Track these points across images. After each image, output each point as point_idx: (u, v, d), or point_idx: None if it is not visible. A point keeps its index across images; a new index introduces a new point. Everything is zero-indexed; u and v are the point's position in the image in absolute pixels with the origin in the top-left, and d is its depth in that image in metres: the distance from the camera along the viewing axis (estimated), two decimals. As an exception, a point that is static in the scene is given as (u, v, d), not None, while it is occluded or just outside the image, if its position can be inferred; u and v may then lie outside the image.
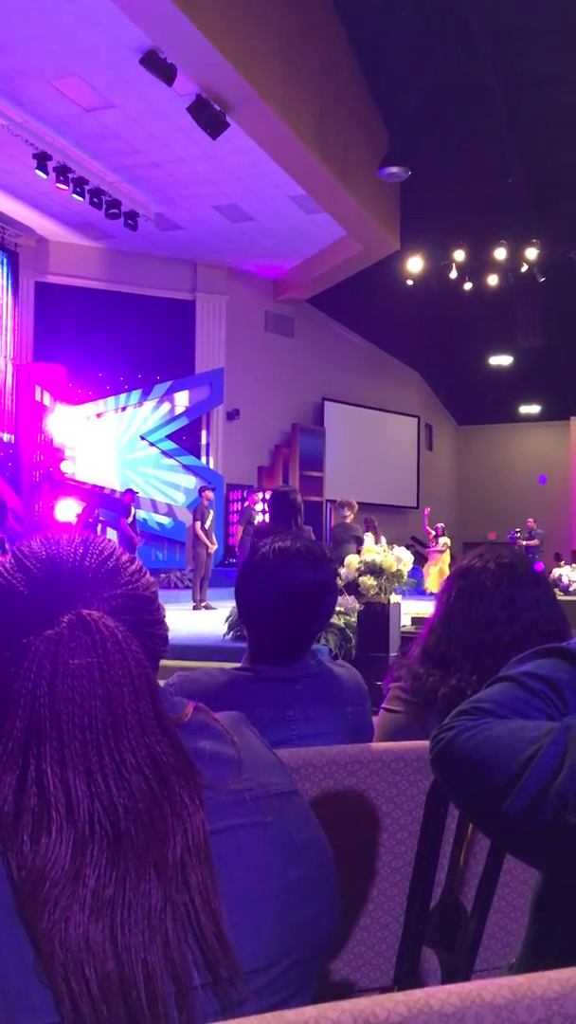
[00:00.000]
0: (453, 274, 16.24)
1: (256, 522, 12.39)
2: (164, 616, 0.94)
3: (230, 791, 0.85)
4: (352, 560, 7.06)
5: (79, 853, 0.74)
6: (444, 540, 15.15)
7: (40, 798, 0.75)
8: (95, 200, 13.17)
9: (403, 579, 6.97)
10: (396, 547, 7.34)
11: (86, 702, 0.77)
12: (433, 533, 15.49)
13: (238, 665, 1.83)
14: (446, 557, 14.80)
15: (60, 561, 0.87)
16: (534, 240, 15.60)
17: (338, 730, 1.67)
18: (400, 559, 6.91)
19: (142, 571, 0.93)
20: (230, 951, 0.76)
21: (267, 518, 16.01)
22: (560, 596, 12.76)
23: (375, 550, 7.20)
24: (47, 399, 15.40)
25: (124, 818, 0.76)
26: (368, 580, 6.81)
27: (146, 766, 0.79)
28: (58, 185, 12.54)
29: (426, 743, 1.59)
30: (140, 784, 0.78)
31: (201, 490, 13.21)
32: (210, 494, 12.77)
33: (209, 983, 0.75)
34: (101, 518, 14.53)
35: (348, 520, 9.77)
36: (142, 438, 16.48)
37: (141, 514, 15.34)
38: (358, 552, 7.32)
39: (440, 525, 15.23)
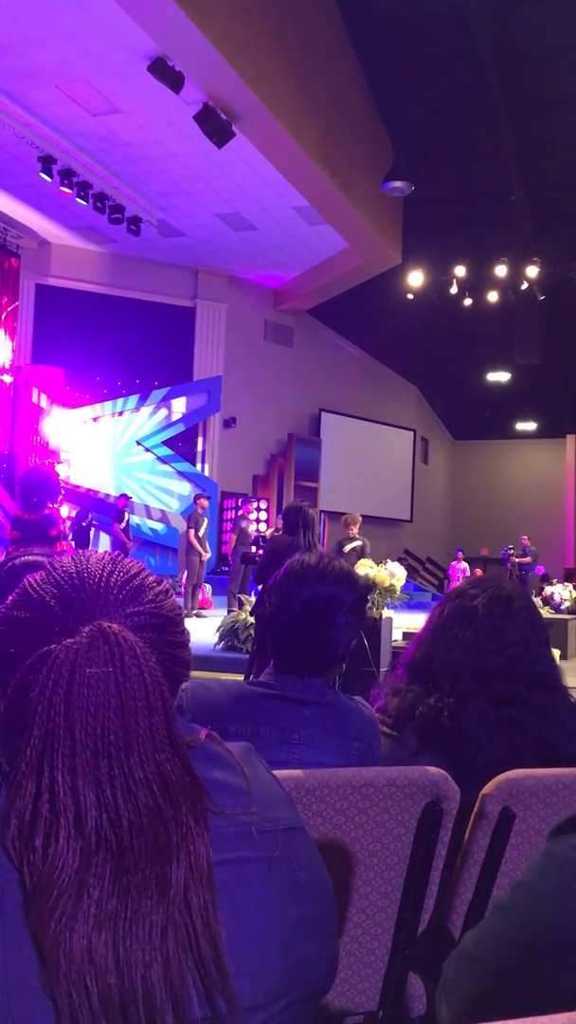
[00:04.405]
0: (453, 289, 16.29)
1: (251, 531, 12.37)
2: (188, 640, 0.95)
3: (237, 822, 0.85)
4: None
5: (85, 863, 0.75)
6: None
7: (51, 805, 0.76)
8: (99, 204, 13.19)
9: (396, 594, 6.96)
10: (389, 561, 7.34)
11: (100, 712, 0.78)
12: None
13: (250, 678, 1.84)
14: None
15: (88, 576, 0.89)
16: (535, 258, 15.66)
17: (340, 763, 1.66)
18: (393, 574, 6.90)
19: (168, 593, 0.94)
20: (228, 979, 0.76)
21: (261, 527, 16.04)
22: (551, 614, 12.76)
23: (368, 564, 7.20)
24: (44, 401, 15.39)
25: (128, 832, 0.76)
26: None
27: (154, 782, 0.79)
28: (62, 188, 12.57)
29: (418, 769, 1.58)
30: (146, 799, 0.78)
31: (196, 497, 13.18)
32: (204, 502, 12.75)
33: (208, 1017, 0.75)
34: (94, 522, 14.49)
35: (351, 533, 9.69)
36: (138, 443, 16.47)
37: (135, 519, 15.32)
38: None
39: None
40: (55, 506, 9.47)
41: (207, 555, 12.48)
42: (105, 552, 0.95)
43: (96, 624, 0.83)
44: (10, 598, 0.89)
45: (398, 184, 13.05)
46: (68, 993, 0.71)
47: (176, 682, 0.92)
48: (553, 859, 0.92)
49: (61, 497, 11.11)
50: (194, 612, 12.04)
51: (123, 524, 13.47)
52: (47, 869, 0.74)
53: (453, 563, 19.46)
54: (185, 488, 16.64)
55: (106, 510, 14.80)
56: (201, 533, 12.33)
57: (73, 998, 0.71)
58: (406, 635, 7.94)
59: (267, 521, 17.23)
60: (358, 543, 8.97)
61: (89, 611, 0.86)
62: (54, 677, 0.79)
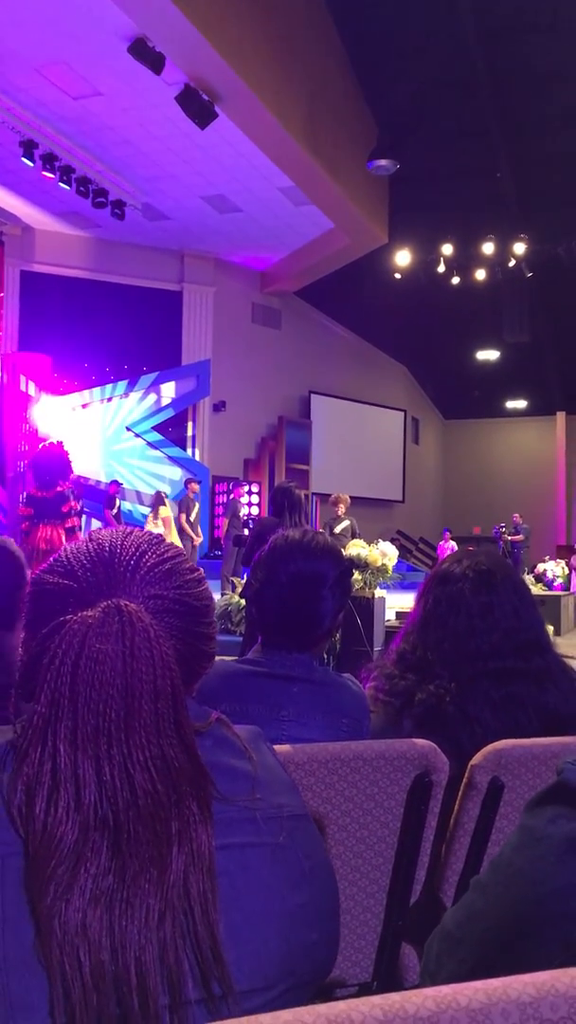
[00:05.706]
0: (441, 268, 16.25)
1: (242, 515, 12.38)
2: (215, 633, 0.94)
3: (242, 807, 0.85)
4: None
5: (83, 837, 0.75)
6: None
7: (53, 774, 0.77)
8: (82, 189, 13.09)
9: (388, 574, 6.98)
10: (381, 541, 7.34)
11: (103, 689, 0.78)
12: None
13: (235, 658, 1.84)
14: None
15: (121, 551, 0.89)
16: (522, 235, 15.61)
17: (330, 740, 1.67)
18: (385, 553, 6.91)
19: (201, 582, 0.93)
20: (224, 967, 0.76)
21: (253, 511, 16.05)
22: (544, 591, 12.82)
23: (359, 544, 7.22)
24: (32, 389, 15.31)
25: (124, 812, 0.76)
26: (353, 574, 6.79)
27: (154, 767, 0.79)
28: (44, 173, 12.46)
29: (407, 741, 1.59)
30: (144, 783, 0.78)
31: (187, 482, 13.15)
32: (196, 486, 12.73)
33: (203, 999, 0.75)
34: (85, 509, 14.46)
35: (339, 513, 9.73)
36: (128, 429, 16.42)
37: (126, 505, 15.30)
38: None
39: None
40: (68, 484, 9.50)
41: (199, 540, 12.47)
42: (149, 532, 0.94)
43: (114, 600, 0.82)
44: (49, 561, 0.90)
45: (383, 163, 12.97)
46: (61, 963, 0.71)
47: (194, 674, 0.92)
48: (529, 833, 0.92)
49: (73, 476, 11.03)
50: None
51: (114, 510, 13.46)
52: (46, 837, 0.74)
53: (441, 543, 19.41)
54: (176, 473, 16.60)
55: (97, 497, 14.78)
56: (192, 518, 12.32)
57: (66, 968, 0.71)
58: (399, 615, 7.96)
59: (259, 505, 17.24)
60: (347, 523, 9.00)
61: (112, 587, 0.86)
62: (64, 647, 0.79)
